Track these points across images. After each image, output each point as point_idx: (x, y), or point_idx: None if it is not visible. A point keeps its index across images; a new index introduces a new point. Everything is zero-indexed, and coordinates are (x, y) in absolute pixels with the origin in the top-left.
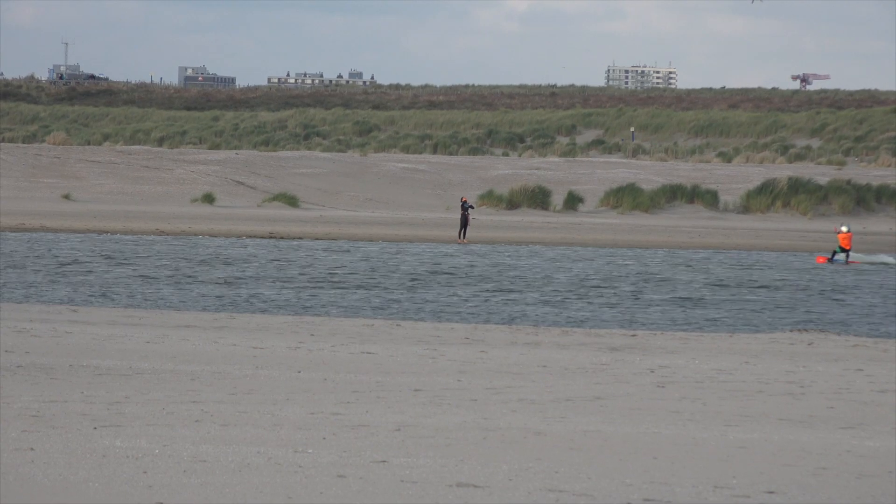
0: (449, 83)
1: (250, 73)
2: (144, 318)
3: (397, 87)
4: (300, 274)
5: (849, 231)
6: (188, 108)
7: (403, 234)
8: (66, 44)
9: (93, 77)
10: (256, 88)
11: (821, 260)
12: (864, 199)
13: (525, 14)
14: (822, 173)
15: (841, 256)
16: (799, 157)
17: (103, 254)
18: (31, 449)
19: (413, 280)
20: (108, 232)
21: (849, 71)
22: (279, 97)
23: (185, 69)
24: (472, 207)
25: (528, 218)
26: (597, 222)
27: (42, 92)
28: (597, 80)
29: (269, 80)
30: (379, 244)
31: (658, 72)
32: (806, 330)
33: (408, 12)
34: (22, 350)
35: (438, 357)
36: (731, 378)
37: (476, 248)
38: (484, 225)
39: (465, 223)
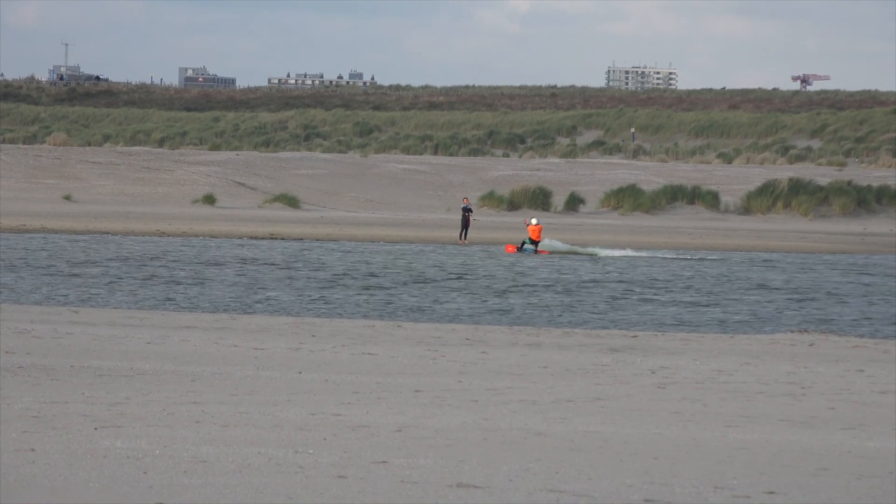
0: (449, 84)
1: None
2: (145, 319)
3: (398, 87)
4: (302, 275)
5: (538, 224)
6: (188, 109)
7: (404, 235)
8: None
9: (97, 78)
10: (257, 89)
11: (510, 249)
12: (864, 200)
13: (527, 15)
14: (822, 174)
15: (529, 247)
16: (799, 158)
17: (105, 255)
18: (32, 450)
19: (416, 280)
20: (108, 233)
21: (849, 71)
22: (279, 98)
23: (186, 70)
24: (470, 210)
25: (527, 217)
26: (598, 223)
27: (42, 93)
28: (597, 81)
29: (269, 80)
30: (379, 244)
31: (658, 72)
32: (807, 331)
33: (410, 13)
34: (23, 351)
35: (439, 358)
36: (732, 379)
37: (471, 249)
38: (485, 226)
39: (465, 225)
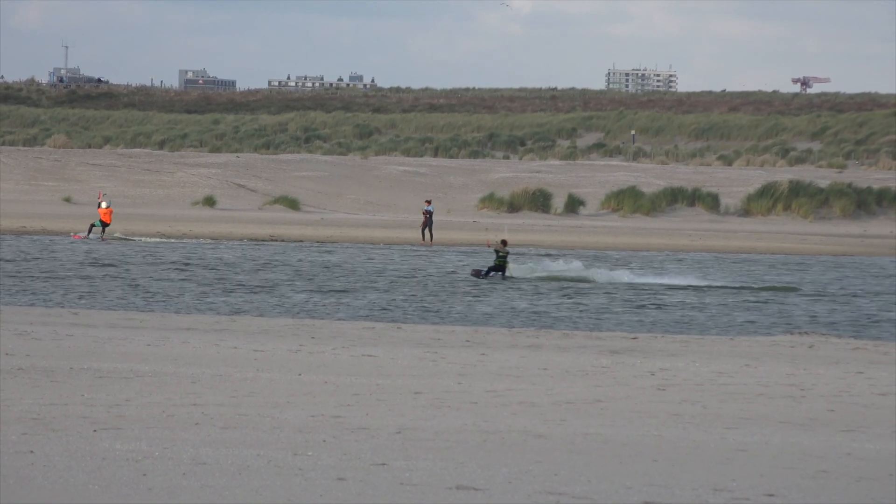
0: (450, 86)
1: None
2: (145, 321)
3: (398, 90)
4: (303, 276)
5: (109, 206)
6: (189, 112)
7: (405, 237)
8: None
9: (97, 81)
10: (257, 91)
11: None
12: (864, 202)
13: (529, 16)
14: (822, 176)
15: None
16: (799, 161)
17: (105, 257)
18: (31, 451)
19: (416, 282)
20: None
21: (850, 73)
22: (280, 100)
23: (186, 72)
24: (431, 211)
25: (529, 221)
26: (598, 225)
27: (42, 95)
28: (597, 83)
29: (269, 83)
30: (379, 246)
31: (658, 74)
32: (807, 333)
33: (412, 15)
34: (23, 353)
35: (439, 360)
36: (732, 381)
37: (470, 249)
38: (486, 225)
39: (428, 225)
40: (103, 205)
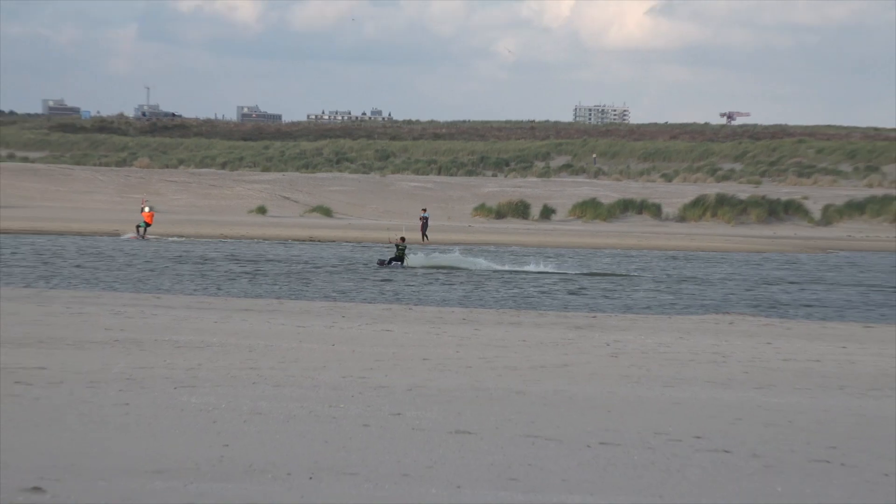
0: (450, 119)
1: (294, 110)
2: (212, 304)
3: (409, 122)
4: (332, 269)
5: (151, 210)
6: (244, 139)
7: (412, 238)
8: (148, 88)
9: (172, 115)
10: (298, 123)
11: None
12: (775, 210)
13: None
14: (742, 190)
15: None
16: (724, 178)
17: (178, 254)
18: (127, 404)
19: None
20: (183, 236)
21: (765, 109)
22: (316, 130)
23: (242, 108)
24: (427, 217)
25: (512, 225)
26: (566, 228)
27: (130, 126)
28: (566, 117)
29: (308, 116)
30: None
31: (615, 110)
32: (728, 313)
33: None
34: (118, 328)
35: (441, 334)
36: (669, 350)
37: (466, 249)
38: (478, 231)
39: (424, 228)
40: (146, 209)
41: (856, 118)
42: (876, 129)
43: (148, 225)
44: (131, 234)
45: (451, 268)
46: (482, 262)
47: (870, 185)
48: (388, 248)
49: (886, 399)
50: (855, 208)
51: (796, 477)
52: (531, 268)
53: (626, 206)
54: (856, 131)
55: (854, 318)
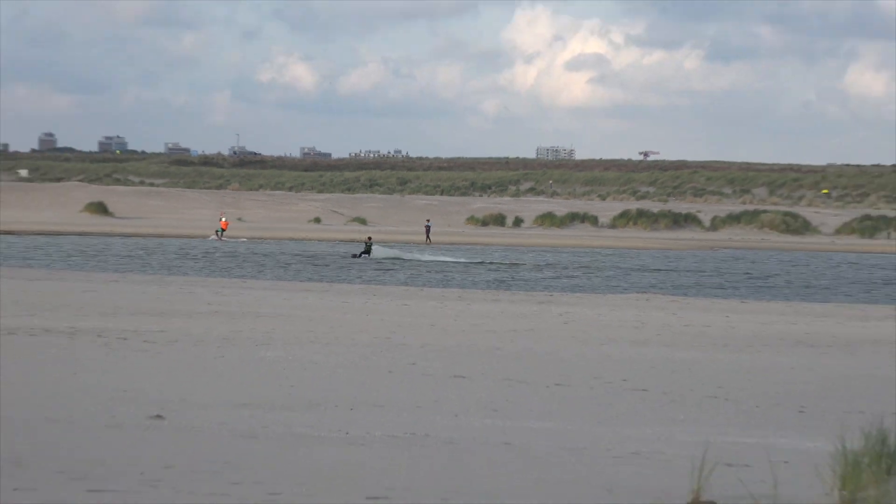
0: (450, 156)
1: (340, 149)
2: (282, 286)
3: (421, 158)
4: (366, 263)
5: (226, 220)
6: (305, 170)
7: (419, 240)
8: (238, 134)
9: (254, 154)
10: (343, 159)
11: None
12: (678, 220)
13: (494, 117)
14: (654, 206)
15: (366, 255)
16: (642, 197)
17: (255, 252)
18: (222, 357)
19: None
20: (263, 239)
21: (670, 148)
22: (355, 164)
23: (304, 148)
24: (430, 226)
25: (492, 231)
26: (531, 233)
27: (225, 161)
28: (531, 154)
29: (349, 153)
30: (408, 245)
31: (565, 149)
32: (646, 292)
33: (429, 116)
34: (217, 304)
35: (445, 307)
36: (604, 319)
37: (459, 248)
38: (468, 234)
39: (427, 233)
40: (223, 219)
41: (734, 156)
42: (748, 163)
43: (223, 231)
44: (213, 237)
45: (398, 258)
46: (416, 254)
47: (744, 203)
48: (393, 244)
49: (758, 353)
50: (734, 219)
51: (694, 408)
52: (454, 258)
53: (573, 217)
54: (734, 165)
55: (734, 296)
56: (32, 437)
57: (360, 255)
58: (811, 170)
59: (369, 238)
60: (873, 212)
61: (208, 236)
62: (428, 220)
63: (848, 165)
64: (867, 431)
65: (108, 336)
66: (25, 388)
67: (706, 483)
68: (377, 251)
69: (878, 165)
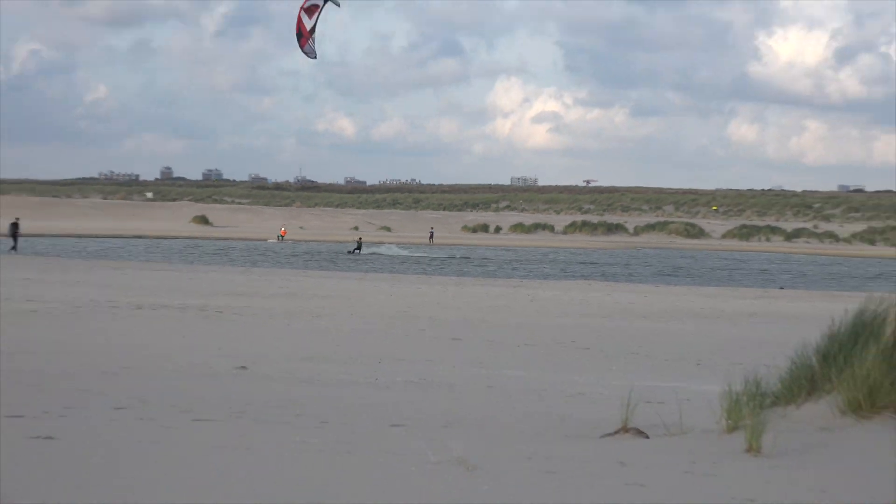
0: (451, 183)
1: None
2: (331, 275)
3: (429, 184)
4: (389, 259)
5: (284, 230)
6: (348, 193)
7: (423, 241)
8: (301, 167)
9: (313, 182)
10: (375, 185)
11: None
12: (610, 228)
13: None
14: (594, 219)
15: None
16: (586, 213)
17: (310, 250)
18: (288, 325)
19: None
20: (319, 240)
21: (606, 178)
22: (383, 188)
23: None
24: (433, 233)
25: (479, 235)
26: (508, 237)
27: (291, 186)
28: (507, 182)
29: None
30: (420, 245)
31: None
32: (588, 279)
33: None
34: (286, 287)
35: (446, 290)
36: (560, 298)
37: (447, 252)
38: (462, 238)
39: (431, 237)
40: (282, 228)
41: (650, 183)
42: (660, 188)
43: (283, 237)
44: (273, 240)
45: (380, 253)
46: (395, 249)
47: (657, 216)
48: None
49: (667, 322)
50: (651, 227)
51: (622, 361)
52: (421, 253)
53: (537, 226)
54: (650, 189)
55: (650, 282)
56: (153, 382)
57: (352, 252)
58: (705, 193)
59: (360, 238)
60: (748, 222)
61: (267, 239)
62: (432, 228)
63: (730, 190)
64: (746, 378)
65: (208, 311)
66: (148, 347)
67: (632, 415)
68: (364, 248)
69: (751, 190)
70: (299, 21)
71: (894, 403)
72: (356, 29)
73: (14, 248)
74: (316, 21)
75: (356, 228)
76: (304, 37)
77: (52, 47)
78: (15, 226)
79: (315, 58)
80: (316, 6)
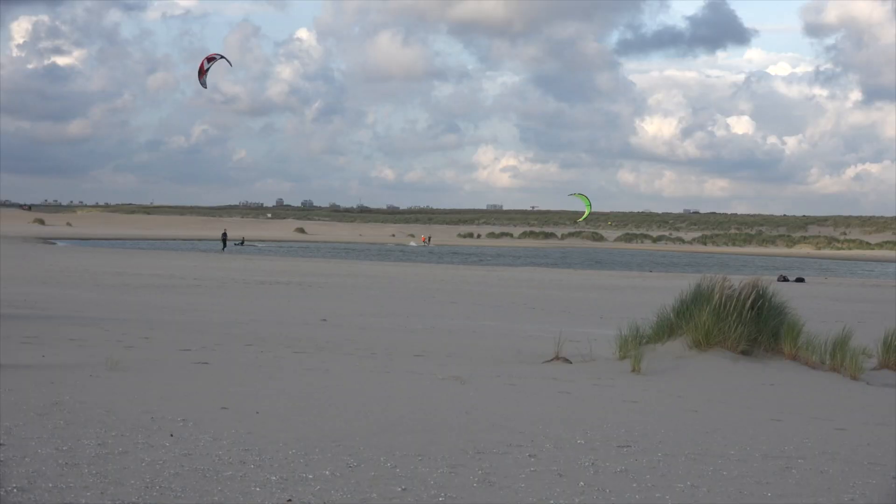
0: (448, 208)
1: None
2: (379, 263)
3: (439, 209)
4: (416, 253)
5: (423, 237)
6: (389, 214)
7: (440, 243)
8: (360, 198)
9: (365, 206)
10: (405, 209)
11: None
12: (548, 235)
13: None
14: (538, 230)
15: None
16: (532, 226)
17: (355, 250)
18: (352, 293)
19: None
20: (371, 242)
21: (545, 204)
22: (409, 212)
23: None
24: (430, 238)
25: (467, 240)
26: (484, 241)
27: (354, 210)
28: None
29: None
30: (440, 246)
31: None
32: (535, 265)
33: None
34: (348, 270)
35: (447, 270)
36: (516, 276)
37: (448, 249)
38: (456, 241)
39: (428, 240)
40: (424, 236)
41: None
42: (577, 211)
43: (425, 243)
44: (414, 243)
45: (406, 246)
46: (413, 246)
47: (577, 227)
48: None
49: (585, 292)
50: (573, 234)
51: (556, 315)
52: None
53: (503, 234)
54: (572, 212)
55: (572, 267)
56: (268, 329)
57: (240, 244)
58: (604, 214)
59: (243, 238)
60: (630, 231)
61: (420, 241)
62: (429, 235)
63: (619, 212)
64: (630, 326)
65: (304, 285)
66: (264, 309)
67: (561, 349)
68: (412, 247)
69: (631, 212)
70: (202, 64)
71: (721, 342)
72: (395, 116)
73: (225, 248)
74: (210, 66)
75: (393, 235)
76: (202, 74)
77: (215, 127)
78: (224, 235)
79: (206, 87)
80: (214, 58)
